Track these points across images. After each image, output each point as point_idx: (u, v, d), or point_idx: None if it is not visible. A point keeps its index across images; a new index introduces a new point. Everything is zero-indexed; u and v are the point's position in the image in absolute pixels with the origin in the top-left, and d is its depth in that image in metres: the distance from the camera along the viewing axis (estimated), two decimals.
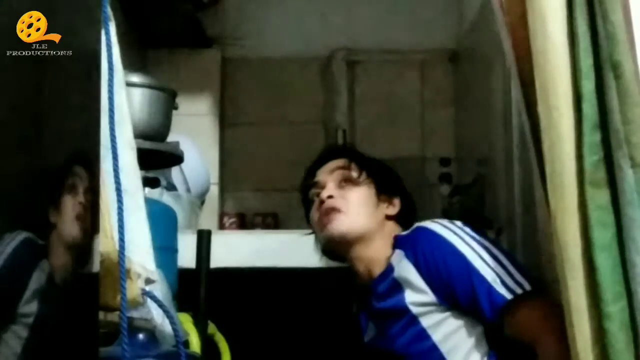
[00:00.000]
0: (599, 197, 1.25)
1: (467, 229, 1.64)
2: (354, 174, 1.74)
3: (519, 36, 1.40)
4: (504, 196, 2.09)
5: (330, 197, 1.71)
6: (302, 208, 1.83)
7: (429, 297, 1.61)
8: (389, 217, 1.74)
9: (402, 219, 1.76)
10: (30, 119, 1.00)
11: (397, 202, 1.76)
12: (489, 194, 2.28)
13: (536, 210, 1.50)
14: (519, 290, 1.53)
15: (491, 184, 2.26)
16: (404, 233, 1.71)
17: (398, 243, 1.69)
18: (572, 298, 1.26)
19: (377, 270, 1.69)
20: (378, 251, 1.70)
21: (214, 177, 2.90)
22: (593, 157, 1.26)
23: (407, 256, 1.64)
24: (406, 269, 1.63)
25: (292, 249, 2.06)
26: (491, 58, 2.14)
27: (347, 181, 1.74)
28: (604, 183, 1.26)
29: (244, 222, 2.98)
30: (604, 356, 1.23)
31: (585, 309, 1.25)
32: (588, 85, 1.26)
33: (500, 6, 1.43)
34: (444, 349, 1.61)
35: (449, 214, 2.57)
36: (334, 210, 1.70)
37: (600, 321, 1.24)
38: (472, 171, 2.52)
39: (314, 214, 1.75)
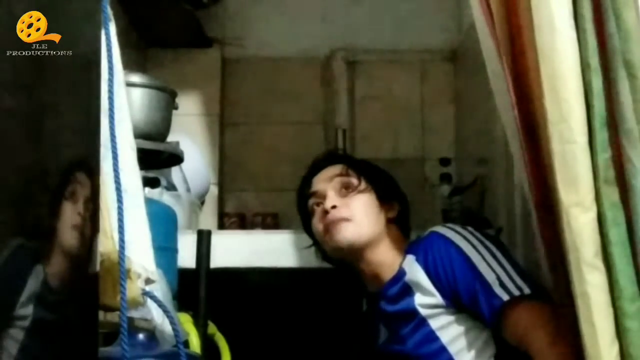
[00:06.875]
0: (613, 195, 1.25)
1: (478, 234, 1.66)
2: (354, 180, 1.73)
3: (510, 27, 1.40)
4: (504, 196, 2.08)
5: (334, 207, 1.70)
6: None
7: (437, 299, 1.63)
8: (390, 220, 1.75)
9: (401, 221, 1.77)
10: (30, 119, 1.00)
11: (396, 204, 1.77)
12: (489, 194, 2.28)
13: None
14: (516, 293, 1.54)
15: (491, 184, 2.25)
16: (416, 239, 1.74)
17: (410, 248, 1.70)
18: (591, 293, 1.25)
19: (388, 274, 1.70)
20: (385, 255, 1.71)
21: (214, 177, 2.90)
22: (604, 154, 1.26)
23: (418, 260, 1.66)
24: (417, 273, 1.65)
25: (292, 249, 2.06)
26: None
27: (347, 188, 1.73)
28: (614, 181, 1.26)
29: (244, 222, 2.98)
30: (625, 353, 1.24)
31: (605, 305, 1.25)
32: (597, 82, 1.26)
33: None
34: (452, 350, 1.62)
35: (449, 214, 2.57)
36: (340, 220, 1.69)
37: (620, 319, 1.24)
38: (472, 171, 2.52)
39: (317, 225, 1.74)
